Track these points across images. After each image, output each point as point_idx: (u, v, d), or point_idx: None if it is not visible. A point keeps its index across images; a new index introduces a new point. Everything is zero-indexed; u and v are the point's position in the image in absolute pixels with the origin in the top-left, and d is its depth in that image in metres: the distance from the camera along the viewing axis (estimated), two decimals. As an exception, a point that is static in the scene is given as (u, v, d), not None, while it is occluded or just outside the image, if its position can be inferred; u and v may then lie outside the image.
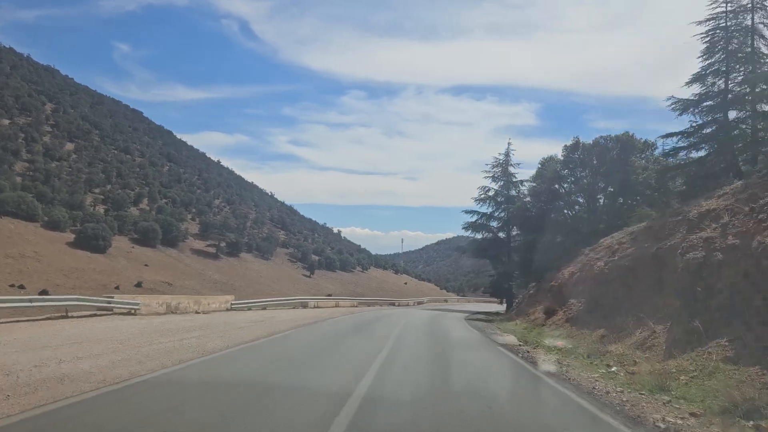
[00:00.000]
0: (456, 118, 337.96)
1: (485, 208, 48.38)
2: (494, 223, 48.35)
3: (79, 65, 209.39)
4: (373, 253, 77.52)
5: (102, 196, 49.32)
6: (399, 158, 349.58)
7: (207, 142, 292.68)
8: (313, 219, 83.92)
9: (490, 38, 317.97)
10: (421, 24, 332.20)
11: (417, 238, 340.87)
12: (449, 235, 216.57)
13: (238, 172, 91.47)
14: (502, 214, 47.60)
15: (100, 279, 34.19)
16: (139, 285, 34.81)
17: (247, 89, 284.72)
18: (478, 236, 48.19)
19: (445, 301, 63.14)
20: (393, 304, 50.33)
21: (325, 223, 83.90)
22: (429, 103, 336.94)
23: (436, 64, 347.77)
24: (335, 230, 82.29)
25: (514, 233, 47.51)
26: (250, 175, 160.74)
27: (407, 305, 52.49)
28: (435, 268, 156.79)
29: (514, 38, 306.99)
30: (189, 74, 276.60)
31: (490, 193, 47.74)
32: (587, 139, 37.86)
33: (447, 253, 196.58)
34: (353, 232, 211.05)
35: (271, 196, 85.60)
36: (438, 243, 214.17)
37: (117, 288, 32.90)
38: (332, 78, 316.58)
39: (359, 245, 79.37)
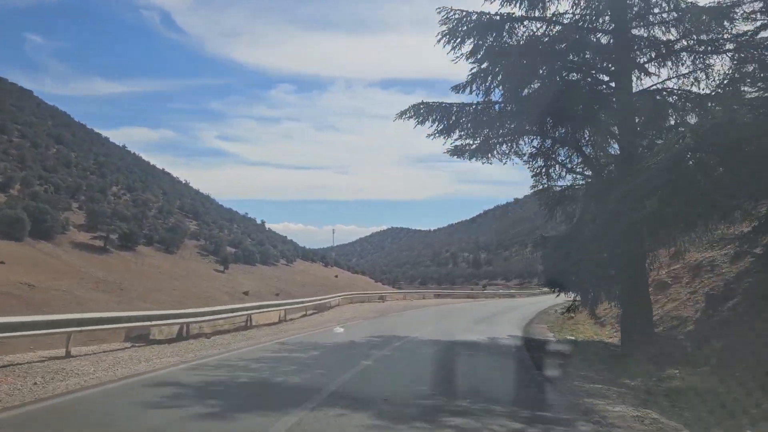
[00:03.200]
0: (386, 111, 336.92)
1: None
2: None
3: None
4: (309, 247, 70.80)
5: (-44, 181, 39.96)
6: (330, 153, 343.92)
7: (130, 137, 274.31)
8: (233, 209, 76.05)
9: (419, 32, 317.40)
10: (349, 17, 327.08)
11: (351, 232, 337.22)
12: (383, 227, 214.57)
13: (146, 158, 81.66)
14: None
15: (-75, 282, 25.79)
16: (-17, 288, 26.66)
17: (171, 83, 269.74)
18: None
19: (380, 299, 43.67)
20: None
21: (246, 213, 76.33)
22: (358, 96, 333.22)
23: (365, 57, 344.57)
24: (258, 221, 74.92)
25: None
26: (178, 172, 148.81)
27: (253, 325, 18.65)
28: (369, 260, 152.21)
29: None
30: (108, 67, 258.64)
31: None
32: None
33: (381, 245, 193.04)
34: (287, 228, 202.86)
35: (185, 183, 76.90)
36: (372, 235, 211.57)
37: (-54, 293, 24.68)
38: (260, 71, 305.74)
39: (285, 236, 72.50)
